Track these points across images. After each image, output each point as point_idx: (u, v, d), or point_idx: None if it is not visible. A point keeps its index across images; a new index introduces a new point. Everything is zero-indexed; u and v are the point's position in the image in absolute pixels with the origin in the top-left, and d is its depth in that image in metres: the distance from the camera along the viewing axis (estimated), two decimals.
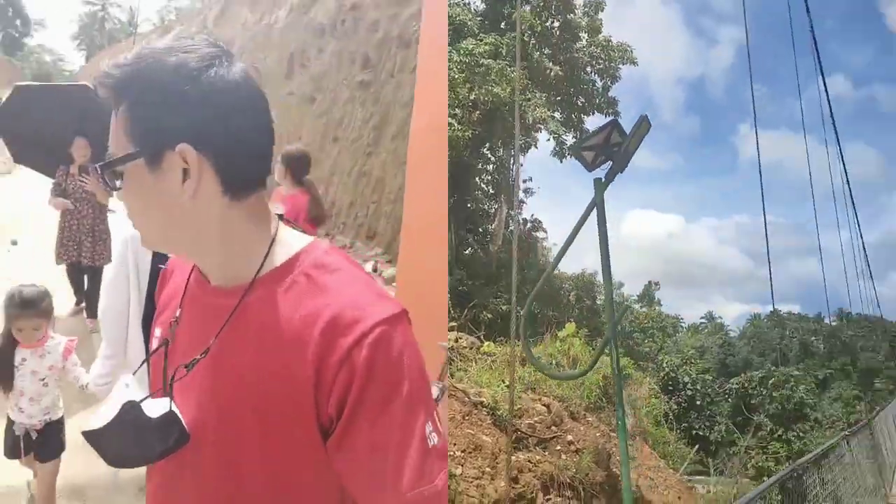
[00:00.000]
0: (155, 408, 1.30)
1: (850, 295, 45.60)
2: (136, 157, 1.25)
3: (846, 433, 11.42)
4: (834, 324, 54.26)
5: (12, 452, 4.07)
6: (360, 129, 16.76)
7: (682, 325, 61.59)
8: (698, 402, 29.82)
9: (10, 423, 4.03)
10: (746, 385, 32.48)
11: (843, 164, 22.90)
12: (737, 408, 31.36)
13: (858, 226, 32.42)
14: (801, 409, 30.62)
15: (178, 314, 1.45)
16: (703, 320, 61.77)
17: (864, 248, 34.80)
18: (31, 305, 3.86)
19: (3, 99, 7.94)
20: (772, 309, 57.40)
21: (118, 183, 1.28)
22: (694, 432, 27.25)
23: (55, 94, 7.96)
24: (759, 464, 23.93)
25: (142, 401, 1.32)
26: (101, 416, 1.32)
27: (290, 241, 1.37)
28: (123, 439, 1.33)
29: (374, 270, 12.26)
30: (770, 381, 32.09)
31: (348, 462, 1.21)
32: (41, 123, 7.48)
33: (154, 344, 1.50)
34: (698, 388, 30.19)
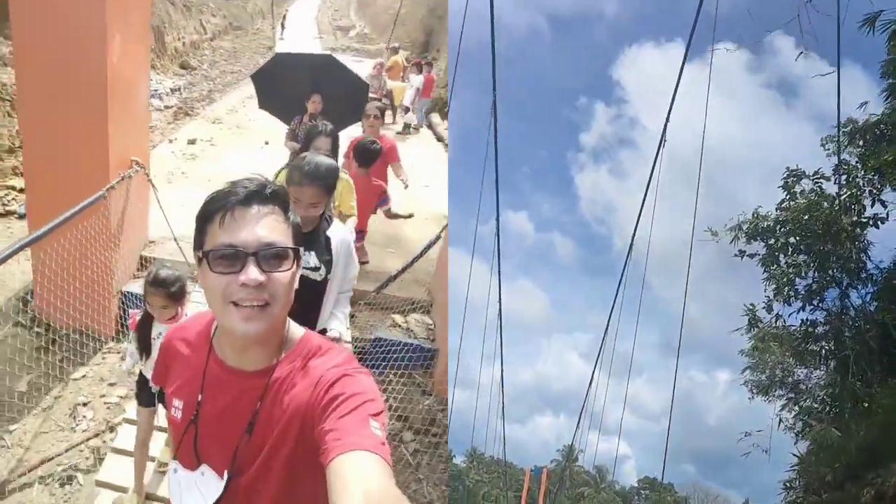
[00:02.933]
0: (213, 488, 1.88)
1: (487, 434, 47.19)
2: None
3: None
4: (462, 466, 52.29)
5: (148, 402, 4.33)
6: None
7: None
8: None
9: (146, 380, 4.28)
10: None
11: (500, 288, 23.34)
12: None
13: (501, 364, 30.92)
14: None
15: (200, 396, 1.90)
16: None
17: (503, 386, 33.05)
18: (161, 285, 4.06)
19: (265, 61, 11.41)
20: None
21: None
22: None
23: (303, 59, 10.30)
24: None
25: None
26: None
27: (294, 331, 1.91)
28: None
29: None
30: None
31: (320, 431, 1.62)
32: (288, 81, 9.30)
33: (177, 414, 1.98)
34: None
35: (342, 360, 1.80)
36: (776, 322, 11.25)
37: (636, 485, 53.39)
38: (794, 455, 10.48)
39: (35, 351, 6.42)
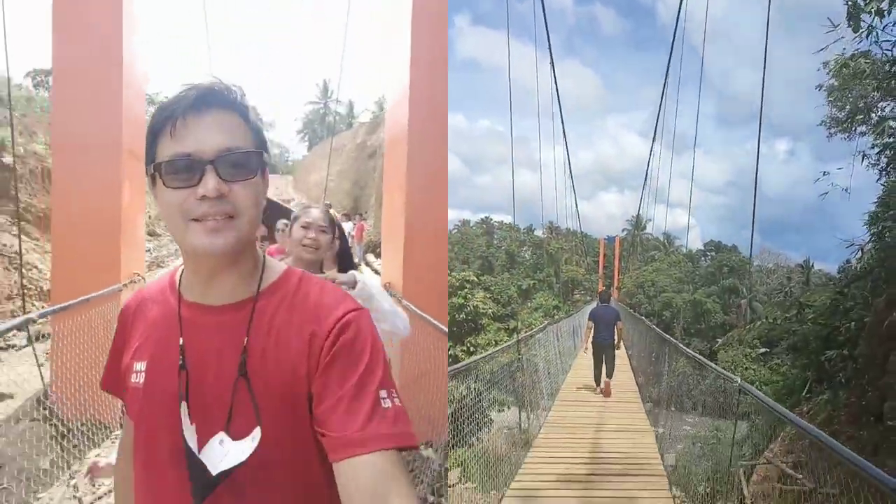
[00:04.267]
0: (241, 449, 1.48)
1: (560, 210, 50.16)
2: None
3: (547, 324, 14.13)
4: (543, 236, 55.78)
5: None
6: None
7: None
8: None
9: None
10: None
11: (555, 77, 23.12)
12: None
13: (566, 143, 33.23)
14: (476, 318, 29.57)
15: (182, 342, 1.54)
16: None
17: (570, 166, 35.63)
18: None
19: None
20: (482, 217, 61.06)
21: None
22: None
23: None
24: None
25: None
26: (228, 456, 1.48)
27: (273, 266, 1.62)
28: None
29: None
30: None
31: (320, 412, 1.42)
32: None
33: (139, 379, 1.58)
34: None
35: (340, 295, 1.58)
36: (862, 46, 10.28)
37: (702, 248, 56.00)
38: (882, 185, 10.46)
39: (51, 439, 7.06)
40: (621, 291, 46.12)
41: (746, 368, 38.98)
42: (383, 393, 1.43)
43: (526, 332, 11.40)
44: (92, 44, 8.40)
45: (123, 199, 8.50)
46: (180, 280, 1.61)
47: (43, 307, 14.27)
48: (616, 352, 12.76)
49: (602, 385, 12.81)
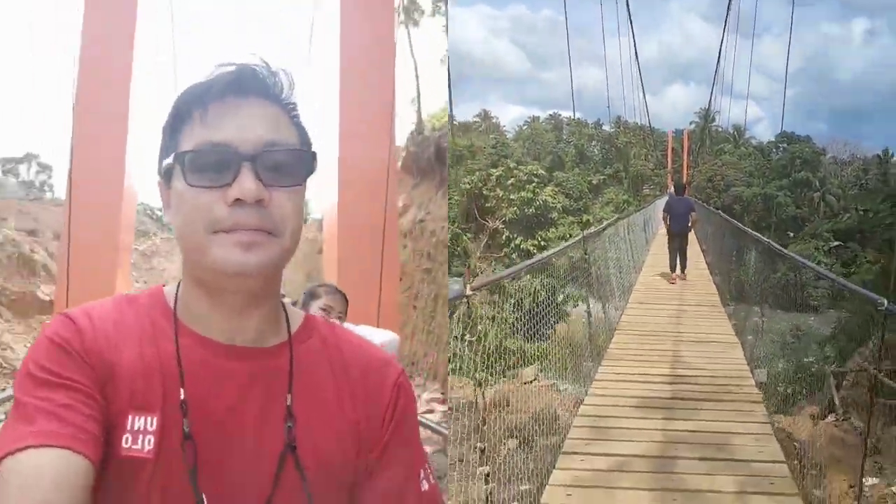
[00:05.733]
0: None
1: (626, 104, 49.65)
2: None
3: (617, 218, 13.69)
4: (611, 130, 54.69)
5: None
6: None
7: (454, 122, 63.74)
8: None
9: None
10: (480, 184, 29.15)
11: None
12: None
13: (633, 36, 32.38)
14: (545, 213, 28.70)
15: (183, 396, 1.10)
16: (476, 119, 62.41)
17: (638, 59, 35.00)
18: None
19: None
20: (551, 112, 60.79)
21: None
22: None
23: None
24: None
25: None
26: None
27: (290, 307, 1.29)
28: None
29: None
30: (508, 182, 29.33)
31: (372, 493, 1.22)
32: None
33: (141, 443, 1.07)
34: None
35: (379, 351, 1.35)
36: None
37: (773, 140, 54.95)
38: None
39: None
40: (690, 185, 46.11)
41: (819, 262, 39.14)
42: (422, 473, 1.27)
43: (596, 227, 12.08)
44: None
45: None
46: (175, 305, 1.18)
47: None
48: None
49: (677, 273, 13.59)
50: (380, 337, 3.76)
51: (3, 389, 16.42)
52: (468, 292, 4.04)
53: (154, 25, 13.57)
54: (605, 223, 13.33)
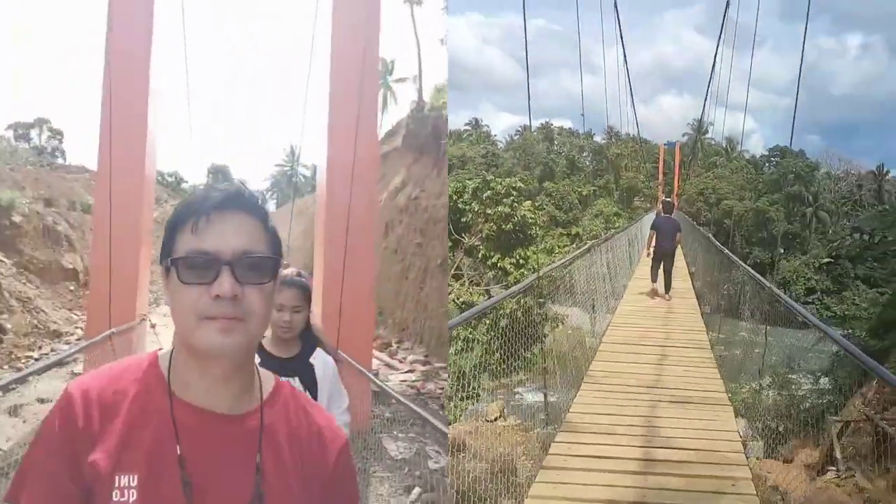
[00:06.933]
0: None
1: (618, 115, 49.35)
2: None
3: (591, 244, 13.26)
4: (602, 142, 55.71)
5: None
6: None
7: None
8: None
9: None
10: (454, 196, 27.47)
11: None
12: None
13: (623, 46, 32.10)
14: (524, 228, 26.70)
15: (179, 452, 1.39)
16: (467, 127, 62.98)
17: (628, 70, 34.10)
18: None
19: None
20: (542, 122, 60.67)
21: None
22: None
23: None
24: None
25: None
26: None
27: (264, 373, 1.59)
28: None
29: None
30: (485, 195, 26.85)
31: None
32: None
33: (126, 497, 1.35)
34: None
35: (329, 417, 1.66)
36: None
37: (766, 153, 54.76)
38: None
39: None
40: (681, 198, 45.71)
41: (809, 279, 38.77)
42: None
43: (588, 240, 11.44)
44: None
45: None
46: (169, 374, 1.47)
47: (50, 343, 18.47)
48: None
49: (661, 293, 13.90)
50: (337, 405, 3.70)
51: (41, 348, 18.10)
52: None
53: None
54: (571, 255, 12.43)
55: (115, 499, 1.35)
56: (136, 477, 1.36)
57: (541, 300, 8.45)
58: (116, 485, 1.35)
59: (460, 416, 13.39)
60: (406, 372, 17.83)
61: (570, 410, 6.69)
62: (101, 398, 1.41)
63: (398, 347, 20.98)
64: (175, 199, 39.32)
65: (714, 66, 27.66)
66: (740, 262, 10.23)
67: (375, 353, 15.96)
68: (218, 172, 67.47)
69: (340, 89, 12.18)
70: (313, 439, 1.55)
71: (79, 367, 11.69)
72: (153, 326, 12.94)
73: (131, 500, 1.35)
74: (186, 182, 60.17)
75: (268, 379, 1.57)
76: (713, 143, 55.00)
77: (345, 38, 12.36)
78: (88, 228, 21.36)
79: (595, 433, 6.08)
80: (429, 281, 21.39)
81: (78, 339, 14.24)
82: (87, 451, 1.37)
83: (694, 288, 15.72)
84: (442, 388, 15.90)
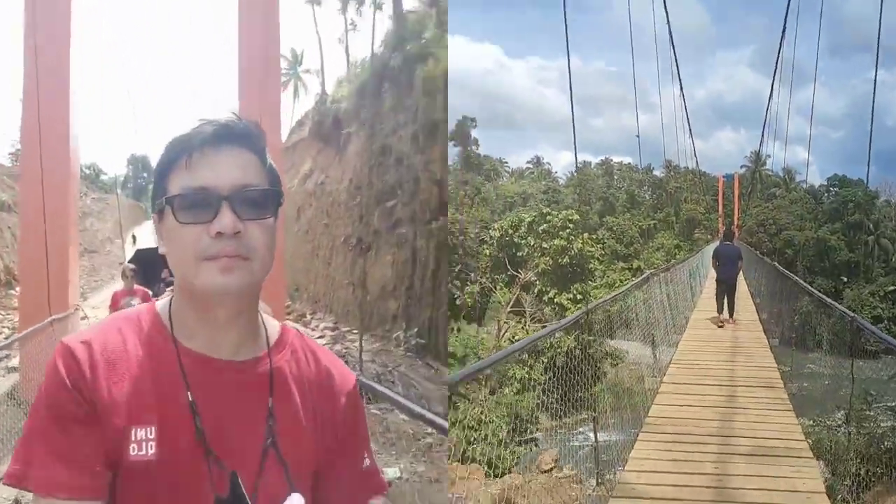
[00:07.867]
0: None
1: (675, 149, 50.19)
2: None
3: (648, 273, 12.14)
4: (661, 175, 55.67)
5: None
6: None
7: (507, 168, 64.24)
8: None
9: None
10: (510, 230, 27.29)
11: (667, 15, 25.69)
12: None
13: (680, 81, 33.82)
14: (582, 262, 26.11)
15: (191, 399, 1.34)
16: (528, 165, 64.48)
17: (685, 104, 35.96)
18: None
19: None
20: (602, 158, 61.37)
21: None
22: None
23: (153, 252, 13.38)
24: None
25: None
26: None
27: (265, 317, 1.53)
28: None
29: None
30: (541, 228, 26.01)
31: (329, 477, 1.54)
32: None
33: (144, 450, 1.30)
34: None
35: (337, 360, 1.63)
36: None
37: (825, 183, 54.68)
38: None
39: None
40: (742, 229, 46.13)
41: (874, 307, 38.69)
42: (365, 454, 1.61)
43: (648, 269, 11.92)
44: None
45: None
46: (171, 322, 1.41)
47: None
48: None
49: (724, 318, 13.66)
50: None
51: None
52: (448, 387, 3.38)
53: None
54: (624, 286, 11.97)
55: (132, 453, 1.29)
56: (153, 429, 1.31)
57: (591, 337, 7.88)
58: (133, 438, 1.30)
59: (515, 463, 13.76)
60: (318, 338, 19.38)
61: (626, 469, 5.59)
62: (104, 349, 1.33)
63: (311, 318, 22.95)
64: (94, 192, 39.55)
65: (770, 100, 28.64)
66: (816, 292, 9.90)
67: (291, 323, 16.10)
68: (138, 163, 74.79)
69: (246, 89, 13.71)
70: (323, 382, 1.53)
71: (13, 362, 12.61)
72: (85, 318, 13.58)
73: (150, 452, 1.30)
74: (105, 174, 62.07)
75: (273, 325, 1.53)
76: (771, 174, 55.36)
77: (250, 37, 13.84)
78: (6, 226, 21.11)
79: (654, 498, 5.04)
80: (335, 257, 23.37)
81: (6, 338, 14.58)
82: (97, 406, 1.29)
83: (760, 319, 15.07)
84: (347, 348, 17.31)
